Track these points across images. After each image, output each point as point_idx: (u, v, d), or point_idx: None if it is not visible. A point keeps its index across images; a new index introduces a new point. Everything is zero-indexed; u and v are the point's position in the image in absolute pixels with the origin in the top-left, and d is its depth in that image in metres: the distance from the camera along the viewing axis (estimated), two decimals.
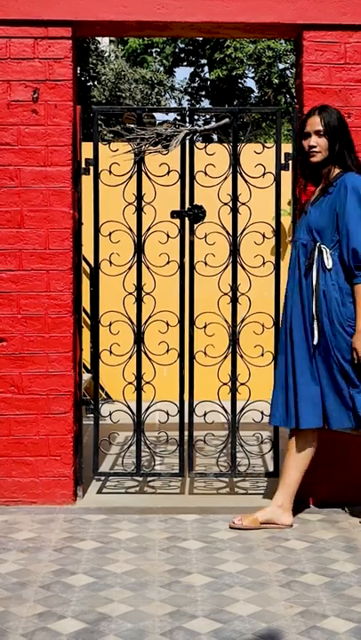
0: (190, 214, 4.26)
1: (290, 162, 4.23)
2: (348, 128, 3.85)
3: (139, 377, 4.32)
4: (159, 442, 4.87)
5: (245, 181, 4.24)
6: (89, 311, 4.75)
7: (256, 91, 25.67)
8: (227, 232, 4.27)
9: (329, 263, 3.71)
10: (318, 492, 4.14)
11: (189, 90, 27.90)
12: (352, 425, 3.71)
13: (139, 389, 4.32)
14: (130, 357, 4.29)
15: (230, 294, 4.29)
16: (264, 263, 4.28)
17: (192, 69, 28.24)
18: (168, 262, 4.24)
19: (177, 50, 27.52)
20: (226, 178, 4.25)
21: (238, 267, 4.28)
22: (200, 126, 4.40)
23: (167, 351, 4.29)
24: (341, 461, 4.15)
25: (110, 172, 4.23)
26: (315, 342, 3.72)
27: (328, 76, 4.12)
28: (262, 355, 4.26)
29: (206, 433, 4.46)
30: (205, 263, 4.22)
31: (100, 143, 4.31)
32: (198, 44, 26.81)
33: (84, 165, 4.26)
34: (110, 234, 4.26)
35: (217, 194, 4.22)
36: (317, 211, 3.80)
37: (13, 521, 3.93)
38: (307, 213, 3.85)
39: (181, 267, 4.29)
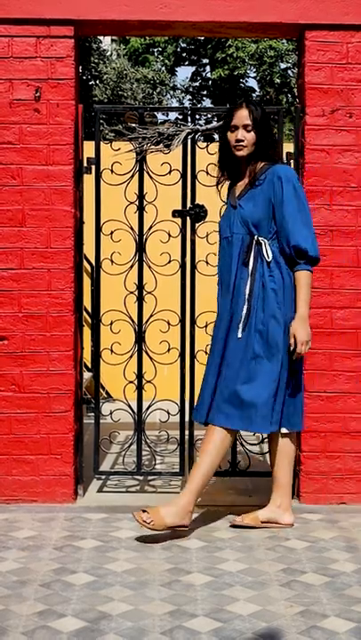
0: (192, 213, 4.27)
1: (291, 161, 4.24)
2: (270, 121, 3.87)
3: (140, 376, 4.32)
4: (160, 441, 4.87)
5: None
6: (90, 310, 4.76)
7: (258, 90, 25.66)
8: None
9: (269, 255, 3.73)
10: None
11: (191, 89, 27.89)
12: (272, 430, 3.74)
13: (139, 388, 4.32)
14: (131, 356, 4.29)
15: None
16: None
17: (194, 69, 28.25)
18: (169, 261, 4.25)
19: (179, 49, 27.51)
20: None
21: None
22: (202, 126, 4.40)
23: (168, 350, 4.29)
24: None
25: (112, 171, 4.23)
26: (239, 335, 3.71)
27: (330, 75, 4.12)
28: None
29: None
30: (207, 262, 4.22)
31: (101, 142, 4.31)
32: (200, 44, 26.81)
33: (85, 164, 4.26)
34: (112, 233, 4.26)
35: (218, 193, 4.22)
36: (250, 203, 3.78)
37: (14, 519, 3.94)
38: (236, 207, 3.81)
39: (183, 266, 4.30)
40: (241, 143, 3.77)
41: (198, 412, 3.86)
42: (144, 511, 3.64)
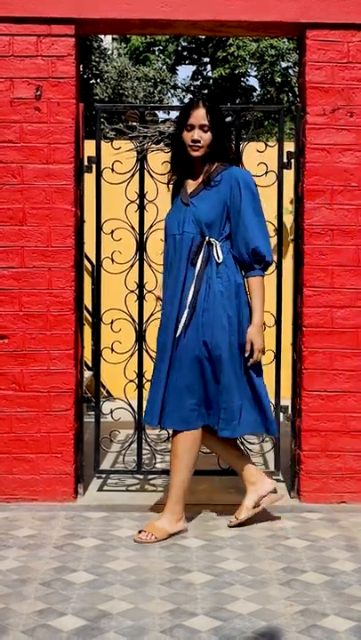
0: None
1: (292, 160, 4.24)
2: (225, 119, 3.85)
3: (140, 375, 4.32)
4: (160, 440, 4.87)
5: None
6: (90, 309, 4.75)
7: (258, 89, 25.65)
8: None
9: (220, 256, 3.71)
10: None
11: (192, 88, 27.87)
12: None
13: (140, 387, 4.32)
14: (131, 355, 4.30)
15: None
16: None
17: (195, 67, 28.23)
18: None
19: (179, 48, 27.50)
20: None
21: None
22: None
23: None
24: None
25: (113, 169, 4.23)
26: (177, 334, 3.69)
27: (331, 74, 4.12)
28: (264, 353, 4.26)
29: None
30: None
31: (102, 141, 4.31)
32: (201, 42, 26.80)
33: (86, 163, 4.26)
34: (112, 232, 4.26)
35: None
36: (204, 203, 3.74)
37: (14, 518, 3.94)
38: (188, 205, 3.76)
39: None
40: (197, 144, 3.71)
41: (149, 416, 3.79)
42: (140, 531, 3.67)
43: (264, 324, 4.16)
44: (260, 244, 3.71)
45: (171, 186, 3.91)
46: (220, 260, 3.70)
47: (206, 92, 22.29)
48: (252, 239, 3.70)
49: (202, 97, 3.77)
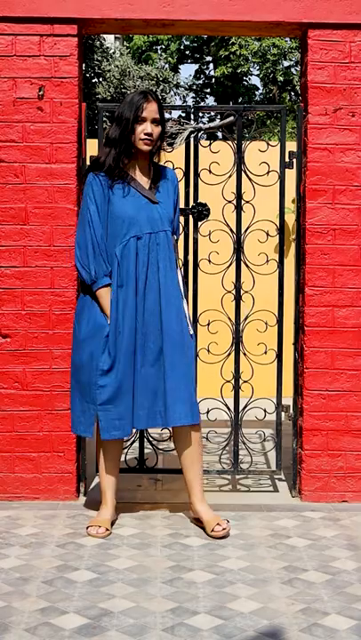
0: (194, 212, 4.27)
1: (294, 160, 4.24)
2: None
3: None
4: (162, 438, 4.88)
5: (250, 179, 4.25)
6: None
7: (261, 88, 25.65)
8: (231, 230, 4.28)
9: (179, 254, 3.89)
10: None
11: (194, 87, 27.88)
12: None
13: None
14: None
15: (234, 292, 4.30)
16: (268, 261, 4.29)
17: (197, 66, 28.24)
18: None
19: (182, 47, 27.51)
20: (230, 176, 4.26)
21: (242, 264, 4.29)
22: (205, 124, 4.40)
23: None
24: None
25: None
26: (191, 332, 3.80)
27: (333, 74, 4.13)
28: (265, 352, 4.28)
29: (209, 430, 4.48)
30: (209, 261, 4.22)
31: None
32: (203, 42, 26.82)
33: (88, 162, 4.26)
34: None
35: (221, 192, 4.23)
36: (166, 200, 3.78)
37: (16, 516, 3.95)
38: (157, 203, 3.74)
39: (185, 264, 4.30)
40: (150, 137, 3.70)
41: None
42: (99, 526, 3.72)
43: (266, 323, 4.19)
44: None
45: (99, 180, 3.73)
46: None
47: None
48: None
49: (151, 91, 3.80)
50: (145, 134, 3.68)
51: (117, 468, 3.87)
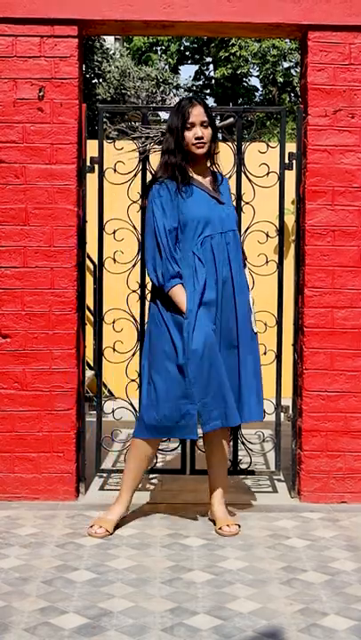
0: None
1: (294, 161, 4.25)
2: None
3: (141, 374, 4.33)
4: (161, 439, 4.88)
5: (249, 180, 4.26)
6: (92, 308, 4.77)
7: (260, 89, 25.67)
8: None
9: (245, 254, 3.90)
10: None
11: (194, 88, 27.88)
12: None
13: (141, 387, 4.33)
14: (133, 355, 4.31)
15: None
16: (267, 262, 4.30)
17: (197, 67, 28.24)
18: None
19: (182, 48, 27.52)
20: (230, 177, 4.26)
21: None
22: None
23: None
24: None
25: (115, 170, 4.24)
26: (255, 330, 3.82)
27: (333, 76, 4.13)
28: (265, 353, 4.27)
29: None
30: None
31: (105, 141, 4.32)
32: (203, 43, 26.82)
33: (88, 163, 4.27)
34: (114, 232, 4.27)
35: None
36: (228, 201, 3.83)
37: (16, 516, 3.95)
38: (223, 203, 3.79)
39: None
40: (202, 140, 3.73)
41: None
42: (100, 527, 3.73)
43: (265, 323, 4.19)
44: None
45: (165, 186, 3.74)
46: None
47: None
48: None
49: (195, 96, 3.84)
50: (196, 138, 3.73)
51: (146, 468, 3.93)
